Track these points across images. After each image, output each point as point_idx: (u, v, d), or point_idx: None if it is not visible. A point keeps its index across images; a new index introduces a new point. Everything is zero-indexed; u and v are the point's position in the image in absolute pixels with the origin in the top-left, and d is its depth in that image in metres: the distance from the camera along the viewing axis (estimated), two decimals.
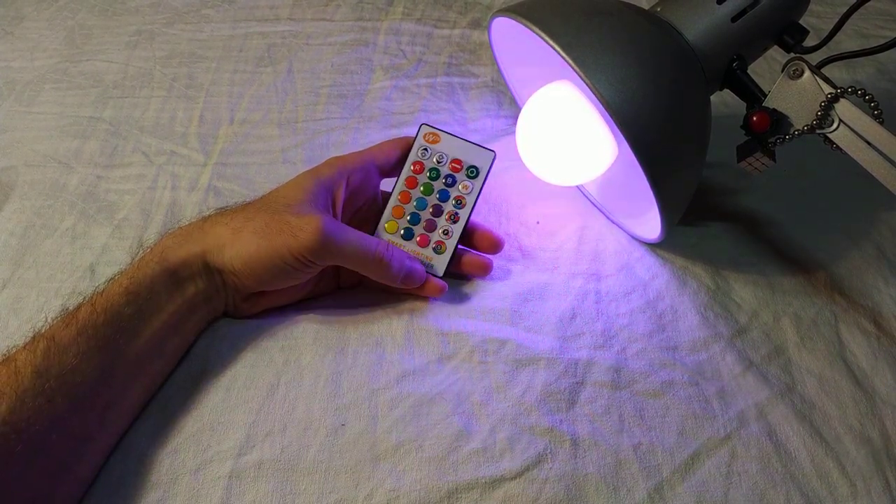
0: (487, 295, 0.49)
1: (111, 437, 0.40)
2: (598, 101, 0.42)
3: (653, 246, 0.53)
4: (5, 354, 0.38)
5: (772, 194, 0.58)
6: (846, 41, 0.73)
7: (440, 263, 0.48)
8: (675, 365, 0.46)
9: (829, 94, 0.43)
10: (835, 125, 0.43)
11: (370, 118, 0.65)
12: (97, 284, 0.42)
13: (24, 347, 0.38)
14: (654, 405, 0.44)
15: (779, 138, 0.45)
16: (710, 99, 0.48)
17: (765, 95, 0.46)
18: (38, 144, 0.61)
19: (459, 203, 0.49)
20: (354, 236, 0.44)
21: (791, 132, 0.45)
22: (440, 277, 0.48)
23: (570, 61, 0.41)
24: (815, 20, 0.76)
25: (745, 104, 0.48)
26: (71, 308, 0.40)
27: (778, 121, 0.45)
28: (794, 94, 0.44)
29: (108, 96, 0.67)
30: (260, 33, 0.75)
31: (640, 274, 0.51)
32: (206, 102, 0.66)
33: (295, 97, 0.67)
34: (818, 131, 0.44)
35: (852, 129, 0.43)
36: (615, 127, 0.43)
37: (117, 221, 0.54)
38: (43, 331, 0.39)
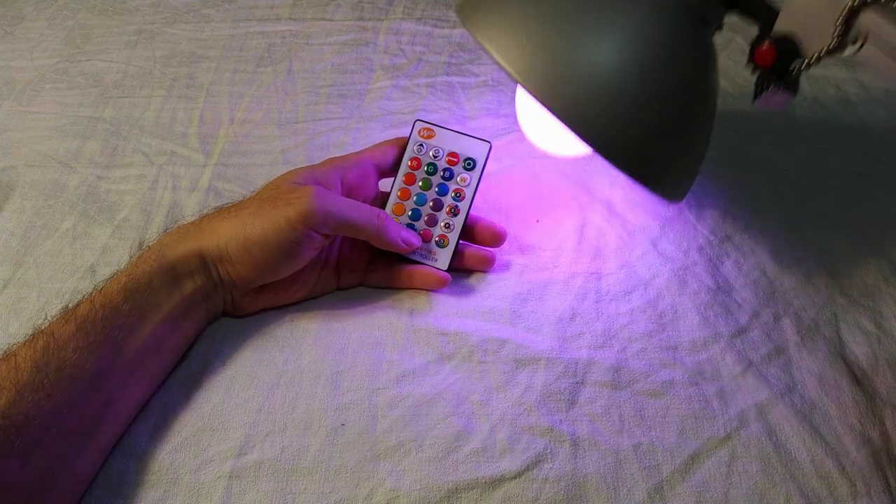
0: (487, 295, 0.49)
1: (110, 436, 0.40)
2: None
3: (653, 245, 0.53)
4: (6, 350, 0.38)
5: (772, 193, 0.58)
6: None
7: (444, 257, 0.49)
8: (675, 365, 0.46)
9: (850, 3, 0.35)
10: (858, 44, 0.36)
11: (370, 118, 0.65)
12: (97, 283, 0.42)
13: (25, 343, 0.38)
14: (654, 405, 0.44)
15: (798, 65, 0.38)
16: (709, 40, 0.42)
17: (776, 15, 0.39)
18: (38, 144, 0.61)
19: (458, 196, 0.49)
20: (350, 201, 0.45)
21: (810, 58, 0.37)
22: (444, 271, 0.49)
23: (510, 70, 0.37)
24: None
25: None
26: (71, 306, 0.40)
27: (788, 49, 0.38)
28: (807, 9, 0.37)
29: (108, 96, 0.67)
30: (260, 33, 0.75)
31: (640, 273, 0.51)
32: (207, 102, 0.66)
33: (295, 97, 0.67)
34: (840, 53, 0.36)
35: (882, 45, 0.35)
36: None
37: (118, 222, 0.54)
38: (43, 327, 0.39)
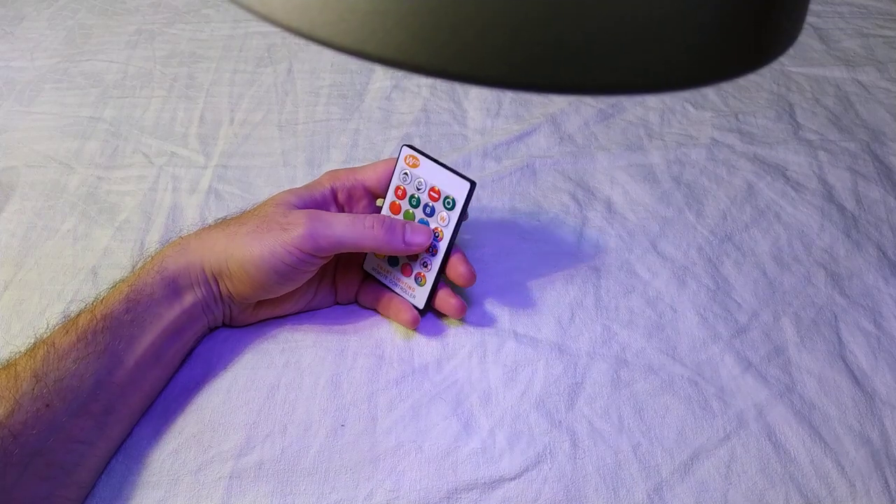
0: (486, 295, 0.49)
1: (110, 443, 0.40)
2: None
3: (653, 245, 0.53)
4: (7, 360, 0.38)
5: (771, 193, 0.58)
6: (846, 40, 0.73)
7: (421, 295, 0.47)
8: (674, 365, 0.46)
9: None
10: None
11: (370, 118, 0.65)
12: (99, 288, 0.43)
13: (25, 353, 0.38)
14: (654, 405, 0.44)
15: None
16: None
17: None
18: (38, 145, 0.61)
19: (437, 236, 0.47)
20: (345, 217, 0.44)
21: None
22: (421, 309, 0.47)
23: None
24: (816, 19, 0.76)
25: None
26: (72, 315, 0.41)
27: None
28: None
29: (108, 96, 0.67)
30: (260, 33, 0.75)
31: (639, 273, 0.51)
32: (207, 103, 0.66)
33: (295, 97, 0.67)
34: None
35: None
36: None
37: (118, 223, 0.55)
38: (44, 337, 0.39)
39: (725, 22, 0.20)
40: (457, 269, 0.46)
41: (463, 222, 0.47)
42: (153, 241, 0.53)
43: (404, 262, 0.48)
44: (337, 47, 0.19)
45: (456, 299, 0.47)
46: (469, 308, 0.49)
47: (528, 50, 0.18)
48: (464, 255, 0.47)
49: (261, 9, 0.19)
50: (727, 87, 0.68)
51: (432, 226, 0.47)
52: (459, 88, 0.68)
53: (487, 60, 0.18)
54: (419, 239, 0.45)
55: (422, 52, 0.18)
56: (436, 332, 0.47)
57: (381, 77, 0.69)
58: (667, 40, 0.19)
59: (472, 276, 0.46)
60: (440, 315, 0.48)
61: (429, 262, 0.47)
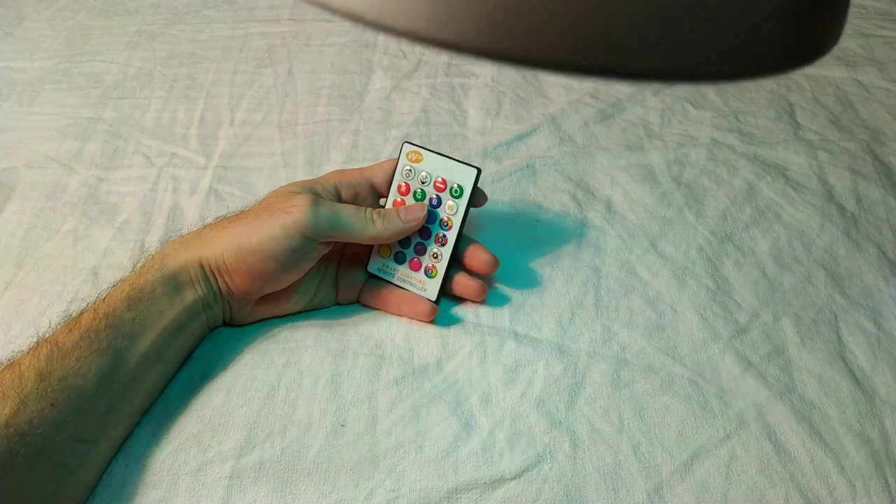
0: (486, 295, 0.49)
1: (113, 442, 0.40)
2: None
3: (653, 245, 0.53)
4: (10, 359, 0.38)
5: (771, 193, 0.58)
6: (846, 40, 0.73)
7: (432, 288, 0.47)
8: (674, 365, 0.46)
9: None
10: None
11: (370, 119, 0.65)
12: (100, 288, 0.43)
13: (29, 352, 0.38)
14: (654, 405, 0.44)
15: None
16: None
17: None
18: (38, 145, 0.62)
19: (446, 225, 0.47)
20: (348, 205, 0.44)
21: None
22: (434, 301, 0.47)
23: None
24: None
25: None
26: (74, 314, 0.41)
27: None
28: None
29: (108, 97, 0.67)
30: (260, 34, 0.75)
31: (639, 273, 0.51)
32: (207, 103, 0.66)
33: (295, 98, 0.67)
34: None
35: None
36: None
37: (119, 224, 0.55)
38: (47, 336, 0.39)
39: (790, 13, 0.21)
40: (478, 257, 0.47)
41: (471, 210, 0.48)
42: (153, 242, 0.53)
43: (412, 257, 0.48)
44: (419, 38, 0.19)
45: (475, 281, 0.47)
46: (469, 308, 0.49)
47: (604, 36, 0.18)
48: (480, 243, 0.48)
49: (337, 4, 0.20)
50: (727, 87, 0.69)
51: (440, 216, 0.47)
52: (459, 89, 0.68)
53: (570, 45, 0.18)
54: (414, 214, 0.46)
55: (502, 37, 0.18)
56: (436, 332, 0.47)
57: (381, 77, 0.69)
58: (736, 29, 0.20)
59: (496, 262, 0.47)
60: (442, 312, 0.48)
61: (439, 254, 0.47)
